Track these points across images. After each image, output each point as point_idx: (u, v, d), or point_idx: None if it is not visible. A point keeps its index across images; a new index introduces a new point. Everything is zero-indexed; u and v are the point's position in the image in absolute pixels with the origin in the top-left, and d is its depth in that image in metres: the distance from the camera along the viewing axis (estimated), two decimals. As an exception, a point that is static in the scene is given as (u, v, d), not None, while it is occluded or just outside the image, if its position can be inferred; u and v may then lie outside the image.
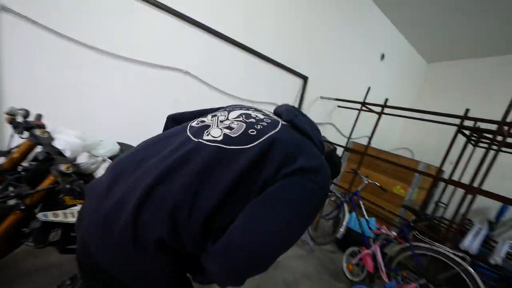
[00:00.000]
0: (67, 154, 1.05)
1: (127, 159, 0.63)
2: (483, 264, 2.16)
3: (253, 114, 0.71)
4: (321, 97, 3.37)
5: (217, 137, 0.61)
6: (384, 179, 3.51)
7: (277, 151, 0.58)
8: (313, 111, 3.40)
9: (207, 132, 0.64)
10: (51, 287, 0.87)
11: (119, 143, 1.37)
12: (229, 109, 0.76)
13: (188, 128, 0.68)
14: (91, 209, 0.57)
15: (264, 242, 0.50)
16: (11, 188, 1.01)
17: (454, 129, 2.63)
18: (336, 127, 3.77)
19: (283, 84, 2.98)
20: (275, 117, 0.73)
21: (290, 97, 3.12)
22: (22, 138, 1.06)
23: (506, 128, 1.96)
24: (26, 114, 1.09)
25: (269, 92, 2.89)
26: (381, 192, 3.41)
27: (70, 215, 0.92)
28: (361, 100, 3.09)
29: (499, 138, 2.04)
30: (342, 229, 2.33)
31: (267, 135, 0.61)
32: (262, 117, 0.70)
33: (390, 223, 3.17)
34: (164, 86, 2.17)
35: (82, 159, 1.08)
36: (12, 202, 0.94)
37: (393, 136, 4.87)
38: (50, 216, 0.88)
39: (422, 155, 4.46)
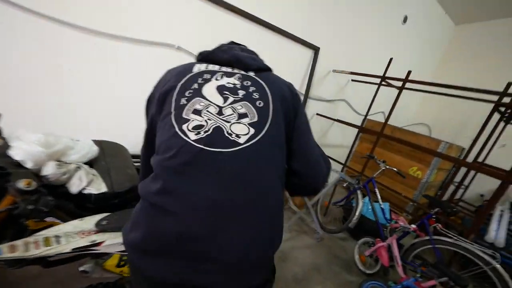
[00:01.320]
0: (28, 165, 0.86)
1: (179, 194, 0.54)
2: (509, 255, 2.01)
3: (228, 84, 0.65)
4: (334, 71, 3.00)
5: (249, 133, 0.59)
6: (400, 159, 3.26)
7: (285, 102, 0.68)
8: (325, 86, 3.06)
9: (233, 134, 0.58)
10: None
11: (97, 141, 1.16)
12: (192, 93, 0.63)
13: (202, 146, 0.56)
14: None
15: (320, 155, 0.76)
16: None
17: (481, 104, 2.43)
18: (350, 103, 3.45)
19: (290, 57, 2.61)
20: (240, 71, 0.70)
21: (299, 71, 2.78)
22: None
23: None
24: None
25: (275, 67, 2.55)
26: (395, 174, 3.21)
27: (32, 245, 0.75)
28: (379, 72, 2.72)
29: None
30: (355, 219, 2.17)
31: (270, 98, 0.65)
32: (238, 82, 0.67)
33: (403, 208, 3.02)
34: (153, 67, 1.88)
35: (49, 169, 0.89)
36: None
37: (409, 111, 4.49)
38: (5, 251, 0.71)
39: (440, 132, 4.14)
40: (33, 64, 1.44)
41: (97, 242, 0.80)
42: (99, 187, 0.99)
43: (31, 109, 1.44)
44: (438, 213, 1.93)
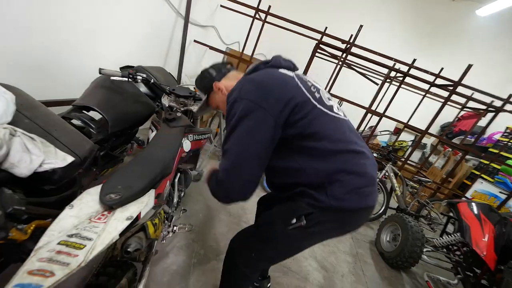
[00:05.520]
0: None
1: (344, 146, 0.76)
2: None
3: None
4: (207, -9, 2.81)
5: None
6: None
7: None
8: (198, 10, 2.85)
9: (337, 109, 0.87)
10: None
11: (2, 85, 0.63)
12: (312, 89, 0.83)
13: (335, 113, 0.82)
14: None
15: None
16: None
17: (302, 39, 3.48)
18: (218, 30, 3.49)
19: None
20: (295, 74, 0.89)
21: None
22: None
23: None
24: None
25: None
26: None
27: (65, 257, 0.47)
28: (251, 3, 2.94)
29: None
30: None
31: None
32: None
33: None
34: None
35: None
36: None
37: (253, 42, 5.23)
38: (44, 284, 0.41)
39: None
40: None
41: (134, 217, 0.63)
42: (58, 155, 0.64)
43: None
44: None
